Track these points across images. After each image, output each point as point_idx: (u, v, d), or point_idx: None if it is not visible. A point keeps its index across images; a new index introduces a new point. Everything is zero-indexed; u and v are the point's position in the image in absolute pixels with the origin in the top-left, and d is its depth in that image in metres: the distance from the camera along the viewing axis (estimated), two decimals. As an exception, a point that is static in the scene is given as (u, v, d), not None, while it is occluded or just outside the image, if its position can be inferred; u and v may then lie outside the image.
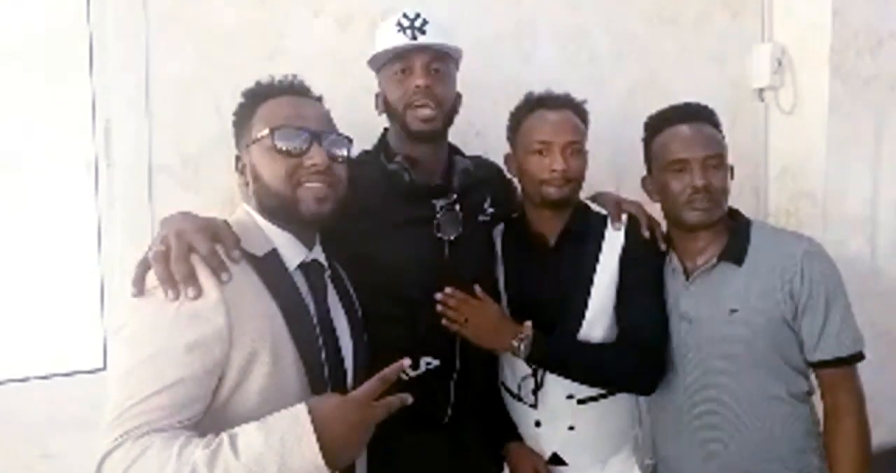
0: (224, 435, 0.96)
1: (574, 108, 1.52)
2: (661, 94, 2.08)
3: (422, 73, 1.43)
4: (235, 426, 0.99)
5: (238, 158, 1.23)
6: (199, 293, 1.03)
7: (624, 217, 1.54)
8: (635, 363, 1.45)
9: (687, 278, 1.50)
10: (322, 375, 1.14)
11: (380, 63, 1.49)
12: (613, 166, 2.03)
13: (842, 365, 1.42)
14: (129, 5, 1.59)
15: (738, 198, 2.35)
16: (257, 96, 1.22)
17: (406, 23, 1.43)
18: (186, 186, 1.61)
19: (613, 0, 2.13)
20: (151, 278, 1.04)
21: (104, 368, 1.59)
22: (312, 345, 1.14)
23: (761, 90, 2.42)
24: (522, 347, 1.39)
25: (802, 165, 2.34)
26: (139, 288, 1.04)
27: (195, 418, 1.02)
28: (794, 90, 2.35)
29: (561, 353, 1.43)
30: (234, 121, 1.24)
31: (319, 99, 1.29)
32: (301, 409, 0.98)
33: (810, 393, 1.48)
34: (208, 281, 1.03)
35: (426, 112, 1.43)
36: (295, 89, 1.24)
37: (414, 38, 1.42)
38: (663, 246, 1.55)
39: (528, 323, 1.41)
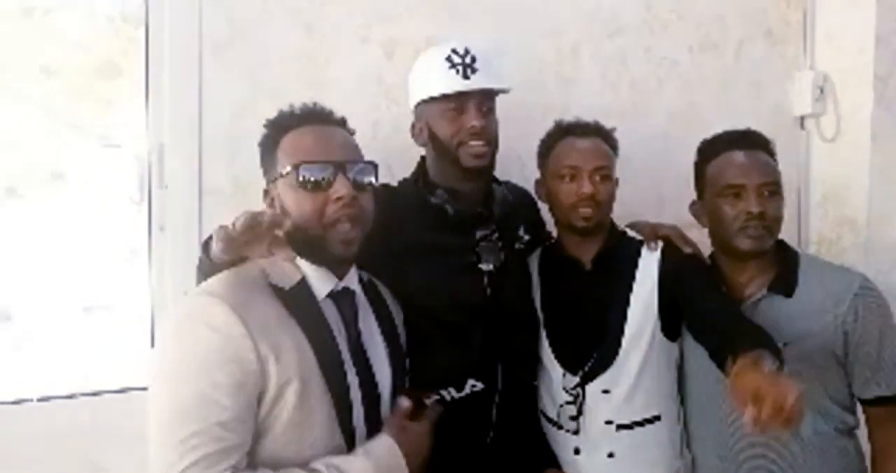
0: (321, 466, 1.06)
1: (603, 135, 1.56)
2: (701, 121, 2.10)
3: (476, 114, 1.46)
4: (266, 456, 1.07)
5: (266, 192, 1.25)
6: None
7: (659, 241, 1.55)
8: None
9: None
10: (349, 405, 1.16)
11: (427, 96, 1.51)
12: (654, 192, 2.04)
13: (893, 403, 1.41)
14: (183, 34, 1.65)
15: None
16: (279, 127, 1.24)
17: (457, 60, 1.46)
18: (235, 209, 1.64)
19: (654, 28, 2.16)
20: (187, 315, 1.09)
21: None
22: (340, 375, 1.15)
23: (803, 118, 2.41)
24: None
25: (844, 193, 2.32)
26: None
27: (244, 456, 1.05)
28: (836, 118, 2.33)
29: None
30: (260, 153, 1.27)
31: (343, 122, 1.29)
32: (390, 442, 1.13)
33: (856, 428, 1.47)
34: (235, 320, 1.06)
35: (480, 148, 1.46)
36: (316, 117, 1.25)
37: (466, 76, 1.45)
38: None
39: None
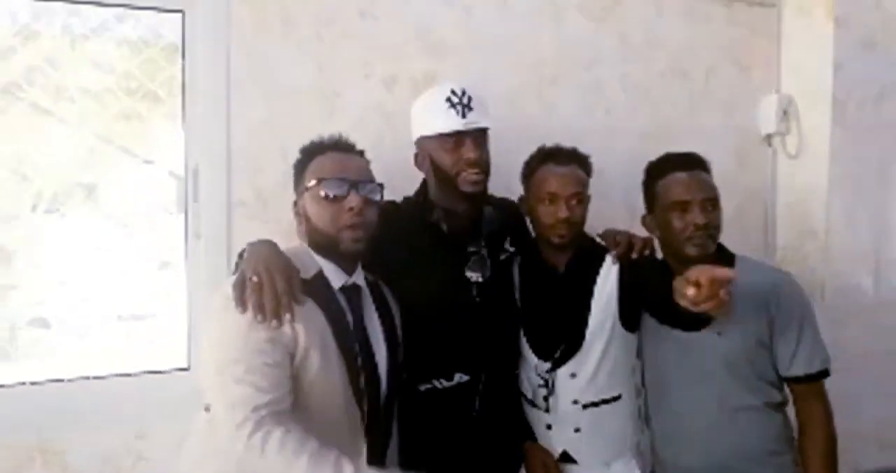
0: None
1: (579, 162, 1.76)
2: (673, 141, 2.23)
3: (472, 147, 1.67)
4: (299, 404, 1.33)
5: (295, 203, 1.55)
6: (281, 324, 1.33)
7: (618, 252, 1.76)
8: None
9: None
10: (356, 368, 1.43)
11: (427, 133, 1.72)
12: (626, 206, 2.21)
13: (812, 380, 1.64)
14: (214, 68, 1.91)
15: (748, 235, 2.59)
16: (310, 153, 1.53)
17: (455, 100, 1.67)
18: (258, 218, 1.92)
19: (628, 56, 2.39)
20: (228, 298, 1.34)
21: (188, 369, 1.91)
22: (350, 348, 1.43)
23: (769, 136, 2.62)
24: None
25: (806, 204, 2.53)
26: (241, 306, 1.33)
27: (289, 393, 1.32)
28: (798, 136, 2.56)
29: None
30: (294, 172, 1.55)
31: (361, 153, 1.58)
32: None
33: (784, 403, 1.70)
34: None
35: (476, 177, 1.68)
36: (340, 146, 1.54)
37: (464, 115, 1.66)
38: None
39: None
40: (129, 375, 1.88)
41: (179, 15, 1.92)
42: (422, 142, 1.75)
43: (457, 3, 2.16)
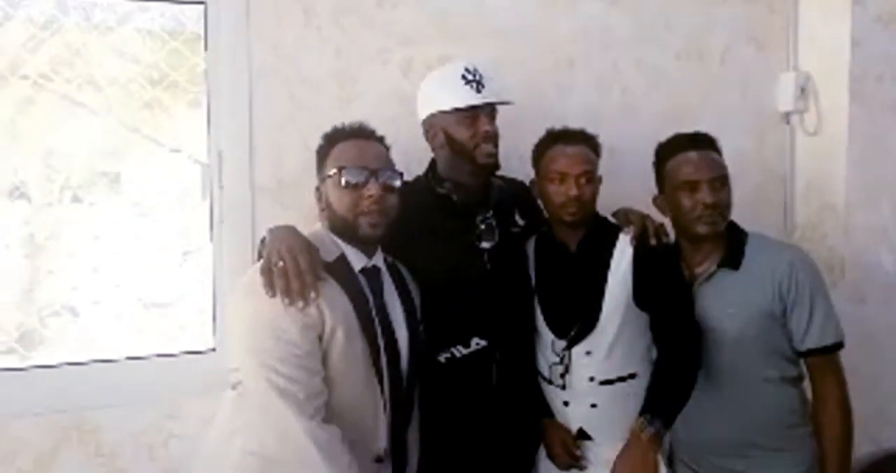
0: None
1: (587, 142, 1.80)
2: (691, 122, 2.26)
3: (487, 121, 1.76)
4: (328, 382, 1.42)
5: (317, 188, 1.59)
6: (307, 304, 1.39)
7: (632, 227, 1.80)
8: (694, 366, 1.73)
9: (691, 284, 1.77)
10: (378, 352, 1.49)
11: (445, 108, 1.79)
12: (642, 188, 2.20)
13: (826, 353, 1.67)
14: (236, 57, 1.96)
15: (767, 212, 2.60)
16: (331, 139, 1.58)
17: (470, 77, 1.75)
18: (281, 204, 1.97)
19: (643, 38, 2.40)
20: (255, 283, 1.40)
21: (215, 350, 1.98)
22: (371, 327, 1.48)
23: (787, 114, 2.61)
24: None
25: (825, 182, 2.53)
26: (271, 291, 1.39)
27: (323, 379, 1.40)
28: (817, 114, 2.55)
29: (673, 417, 1.71)
30: (316, 159, 1.60)
31: (381, 139, 1.62)
32: None
33: (800, 377, 1.73)
34: None
35: (492, 150, 1.77)
36: (360, 133, 1.58)
37: (478, 90, 1.75)
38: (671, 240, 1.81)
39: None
40: (160, 356, 1.95)
41: (201, 6, 1.96)
42: (433, 118, 1.81)
43: (470, -13, 2.18)
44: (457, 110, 1.76)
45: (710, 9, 2.49)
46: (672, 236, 1.84)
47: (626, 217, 1.84)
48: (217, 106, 1.97)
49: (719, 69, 2.53)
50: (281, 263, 1.40)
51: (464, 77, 1.76)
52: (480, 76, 1.77)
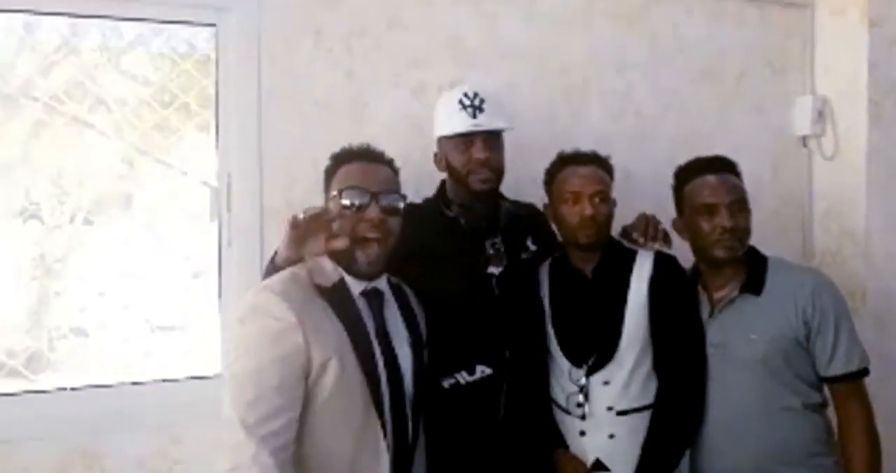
0: None
1: (599, 163, 1.76)
2: (706, 145, 2.22)
3: (481, 148, 1.72)
4: (316, 420, 1.35)
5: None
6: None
7: (652, 250, 1.77)
8: (692, 412, 1.70)
9: (712, 310, 1.72)
10: (378, 379, 1.43)
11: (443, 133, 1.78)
12: (658, 211, 2.16)
13: (851, 379, 1.62)
14: (246, 81, 1.96)
15: (785, 238, 2.55)
16: (338, 160, 1.55)
17: (467, 102, 1.73)
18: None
19: (657, 62, 2.39)
20: (253, 306, 1.37)
21: (221, 375, 1.93)
22: (370, 357, 1.42)
23: (804, 138, 2.59)
24: None
25: (844, 208, 2.49)
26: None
27: (296, 418, 1.33)
28: (835, 138, 2.52)
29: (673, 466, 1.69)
30: (324, 179, 1.57)
31: (390, 162, 1.58)
32: None
33: (824, 404, 1.68)
34: (288, 311, 1.34)
35: (486, 175, 1.73)
36: (366, 155, 1.55)
37: (474, 115, 1.72)
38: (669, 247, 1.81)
39: None
40: (165, 381, 1.92)
41: (213, 28, 1.97)
42: (439, 142, 1.81)
43: (484, 12, 2.19)
44: (452, 136, 1.75)
45: (725, 32, 2.49)
46: (679, 255, 1.81)
47: (629, 235, 1.83)
48: (226, 128, 1.96)
49: (735, 93, 2.51)
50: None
51: (461, 102, 1.74)
52: (481, 101, 1.74)
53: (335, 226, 1.46)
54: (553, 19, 2.26)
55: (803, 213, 2.62)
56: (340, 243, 1.45)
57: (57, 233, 1.94)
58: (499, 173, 1.78)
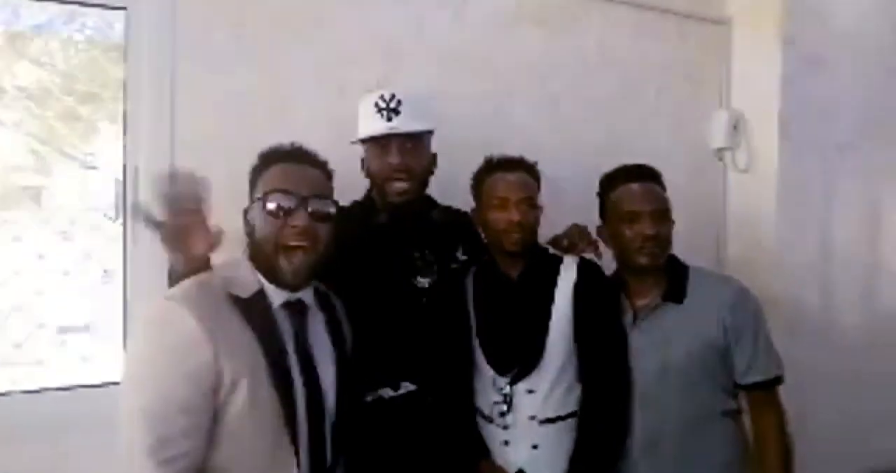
0: None
1: (527, 169, 1.74)
2: (626, 155, 2.25)
3: (396, 152, 1.66)
4: (223, 441, 1.23)
5: (245, 211, 1.42)
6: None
7: (575, 259, 1.76)
8: (617, 421, 1.69)
9: (635, 317, 1.73)
10: (293, 401, 1.31)
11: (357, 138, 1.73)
12: (581, 218, 2.18)
13: (768, 387, 1.66)
14: (158, 69, 1.84)
15: (701, 247, 2.61)
16: (266, 160, 1.42)
17: (382, 104, 1.66)
18: (201, 228, 1.84)
19: (582, 71, 2.41)
20: (154, 317, 1.26)
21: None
22: (286, 376, 1.31)
23: (720, 150, 2.67)
24: None
25: (756, 219, 2.57)
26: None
27: (204, 438, 1.22)
28: (748, 151, 2.60)
29: None
30: (249, 179, 1.45)
31: (323, 164, 1.46)
32: None
33: (739, 412, 1.71)
34: (195, 323, 1.22)
35: (401, 185, 1.68)
36: (296, 156, 1.43)
37: (389, 119, 1.65)
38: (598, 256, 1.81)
39: None
40: (59, 390, 1.77)
41: (123, 12, 1.84)
42: (364, 148, 1.75)
43: (411, 11, 2.14)
44: (369, 140, 1.69)
45: (645, 45, 2.54)
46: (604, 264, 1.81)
47: (560, 243, 1.83)
48: (136, 119, 1.84)
49: (654, 104, 2.57)
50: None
51: (376, 104, 1.67)
52: (397, 103, 1.66)
53: (258, 231, 1.35)
54: (482, 23, 2.25)
55: (718, 223, 2.69)
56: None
57: None
58: (419, 179, 1.72)
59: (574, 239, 1.83)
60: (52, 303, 1.86)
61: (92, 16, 1.86)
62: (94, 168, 1.93)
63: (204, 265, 1.46)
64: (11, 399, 1.73)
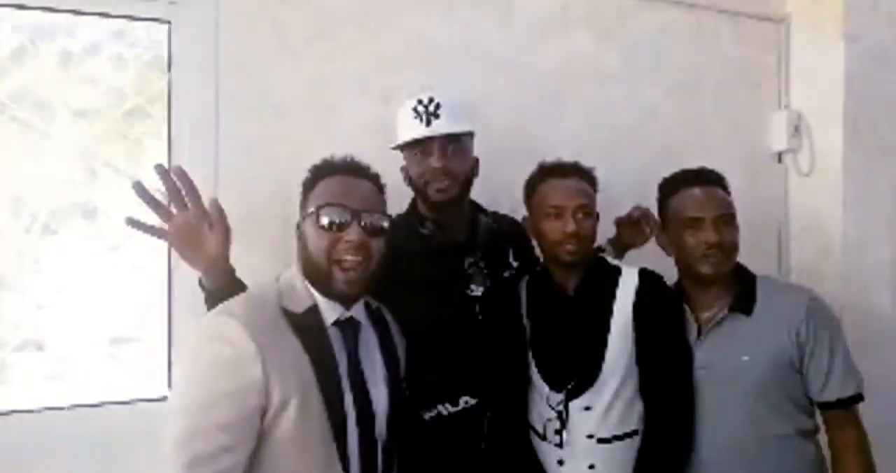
0: None
1: (583, 175, 1.67)
2: (682, 158, 2.20)
3: (437, 156, 1.60)
4: (267, 461, 1.20)
5: (298, 226, 1.41)
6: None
7: (635, 269, 1.67)
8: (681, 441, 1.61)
9: (699, 331, 1.63)
10: (344, 423, 1.28)
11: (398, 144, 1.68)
12: None
13: (846, 405, 1.54)
14: (202, 82, 1.82)
15: (761, 255, 2.49)
16: (318, 173, 1.40)
17: (421, 109, 1.62)
18: (246, 240, 1.78)
19: (633, 73, 2.32)
20: (207, 330, 1.23)
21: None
22: (337, 397, 1.28)
23: (780, 153, 2.55)
24: None
25: (821, 224, 2.45)
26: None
27: (244, 458, 1.18)
28: (810, 153, 2.48)
29: None
30: (301, 192, 1.42)
31: (375, 177, 1.44)
32: None
33: (816, 431, 1.60)
34: (248, 338, 1.19)
35: (443, 186, 1.61)
36: (349, 169, 1.40)
37: (428, 122, 1.60)
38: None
39: None
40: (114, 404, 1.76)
41: (166, 25, 1.83)
42: (404, 154, 1.70)
43: (456, 16, 2.09)
44: (409, 145, 1.64)
45: (699, 45, 2.44)
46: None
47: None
48: (179, 132, 1.82)
49: (710, 106, 2.47)
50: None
51: (415, 109, 1.63)
52: (436, 107, 1.62)
53: (311, 246, 1.33)
54: (527, 27, 2.18)
55: (779, 229, 2.57)
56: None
57: (7, 245, 1.79)
58: (461, 182, 1.65)
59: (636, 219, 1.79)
60: (104, 316, 1.85)
61: (141, 33, 1.86)
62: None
63: (224, 263, 1.45)
64: (62, 414, 1.72)
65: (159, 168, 1.43)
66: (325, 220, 1.31)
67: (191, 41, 1.82)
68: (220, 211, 1.45)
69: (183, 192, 1.44)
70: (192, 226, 1.43)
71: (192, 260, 1.45)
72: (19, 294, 1.80)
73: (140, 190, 1.42)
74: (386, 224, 1.38)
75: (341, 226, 1.31)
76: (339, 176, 1.38)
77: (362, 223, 1.32)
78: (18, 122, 1.78)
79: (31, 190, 1.79)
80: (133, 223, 1.43)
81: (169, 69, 1.83)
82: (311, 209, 1.34)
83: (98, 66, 1.85)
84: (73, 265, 1.83)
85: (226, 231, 1.46)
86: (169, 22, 1.83)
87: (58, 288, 1.82)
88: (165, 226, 1.44)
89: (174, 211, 1.44)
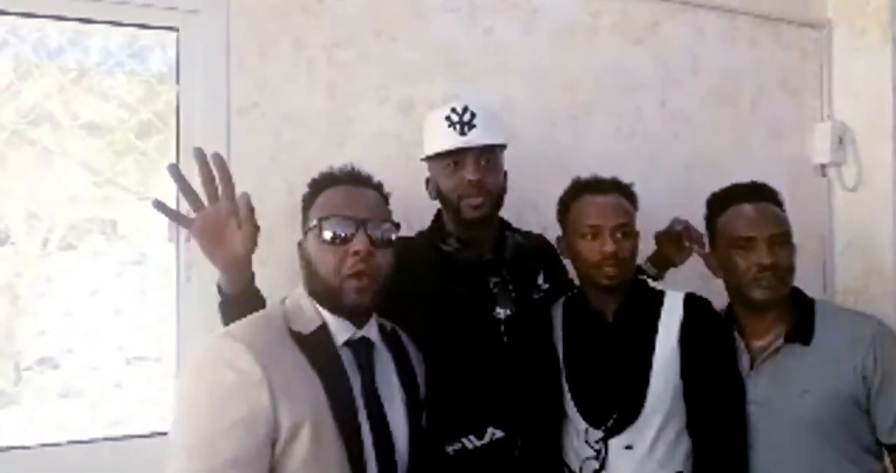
0: None
1: (622, 191, 1.55)
2: (719, 171, 2.13)
3: (472, 168, 1.49)
4: None
5: (300, 244, 1.31)
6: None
7: (680, 294, 1.54)
8: None
9: (752, 361, 1.50)
10: (360, 449, 1.17)
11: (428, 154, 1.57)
12: None
13: None
14: (213, 95, 1.73)
15: (803, 276, 2.31)
16: (318, 186, 1.31)
17: (455, 118, 1.51)
18: (259, 259, 1.68)
19: (666, 82, 2.21)
20: (209, 355, 1.13)
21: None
22: (352, 422, 1.17)
23: (823, 166, 2.42)
24: None
25: (869, 242, 2.30)
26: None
27: None
28: (857, 167, 2.34)
29: None
30: (301, 207, 1.33)
31: (378, 186, 1.35)
32: None
33: (883, 474, 1.44)
34: (253, 363, 1.09)
35: (477, 200, 1.49)
36: (350, 178, 1.31)
37: (463, 132, 1.49)
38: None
39: None
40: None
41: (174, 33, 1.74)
42: (430, 167, 1.60)
43: (478, 23, 1.99)
44: (441, 156, 1.52)
45: (736, 52, 2.33)
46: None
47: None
48: (189, 145, 1.70)
49: (748, 116, 2.34)
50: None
51: (448, 118, 1.52)
52: (471, 116, 1.51)
53: (316, 262, 1.23)
54: (554, 33, 2.07)
55: (823, 248, 2.42)
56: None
57: (24, 261, 1.72)
58: (495, 197, 1.54)
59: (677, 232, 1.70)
60: (118, 335, 1.78)
61: (155, 48, 1.78)
62: (145, 199, 1.80)
63: (246, 264, 1.36)
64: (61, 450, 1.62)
65: (198, 152, 1.34)
66: (328, 233, 1.22)
67: (200, 50, 1.73)
68: (250, 207, 1.35)
69: (217, 182, 1.34)
70: (221, 220, 1.34)
71: (214, 256, 1.34)
72: (30, 314, 1.73)
73: (175, 172, 1.35)
74: (393, 235, 1.27)
75: (346, 239, 1.21)
76: (340, 186, 1.29)
77: (369, 233, 1.22)
78: (30, 141, 1.71)
79: (44, 207, 1.73)
80: (160, 206, 1.35)
81: (178, 81, 1.74)
82: (314, 222, 1.24)
83: (113, 82, 1.78)
84: (88, 281, 1.76)
85: (253, 229, 1.35)
86: (176, 29, 1.73)
87: (70, 307, 1.74)
88: (192, 216, 1.36)
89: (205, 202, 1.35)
